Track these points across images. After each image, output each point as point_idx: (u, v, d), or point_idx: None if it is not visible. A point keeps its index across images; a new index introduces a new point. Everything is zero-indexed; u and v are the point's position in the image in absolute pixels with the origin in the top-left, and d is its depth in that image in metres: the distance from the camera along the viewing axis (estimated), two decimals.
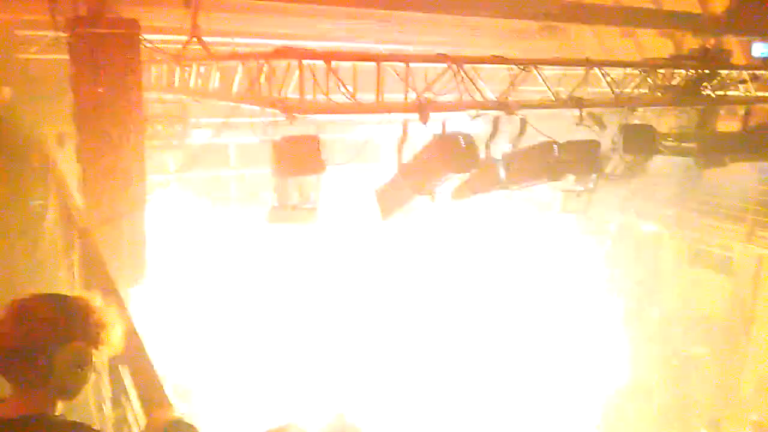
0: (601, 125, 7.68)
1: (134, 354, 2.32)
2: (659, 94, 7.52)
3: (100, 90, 6.09)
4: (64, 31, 6.27)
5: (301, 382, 10.49)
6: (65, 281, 6.15)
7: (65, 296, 2.04)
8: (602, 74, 7.02)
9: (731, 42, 10.43)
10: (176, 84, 7.99)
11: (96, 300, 2.09)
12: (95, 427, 2.23)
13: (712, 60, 7.72)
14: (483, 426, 10.32)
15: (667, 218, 12.10)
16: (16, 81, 9.96)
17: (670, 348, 11.90)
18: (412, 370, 11.01)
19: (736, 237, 11.04)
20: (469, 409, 10.40)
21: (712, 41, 8.53)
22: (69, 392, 1.97)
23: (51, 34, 6.57)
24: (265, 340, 11.14)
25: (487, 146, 6.52)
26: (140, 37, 6.32)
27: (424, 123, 5.85)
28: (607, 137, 7.60)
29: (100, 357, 2.03)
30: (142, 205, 6.50)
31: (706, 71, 7.62)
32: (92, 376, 2.04)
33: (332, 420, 2.46)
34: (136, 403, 2.30)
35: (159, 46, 7.75)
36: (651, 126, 7.70)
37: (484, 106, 6.28)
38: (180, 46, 7.92)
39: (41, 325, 1.89)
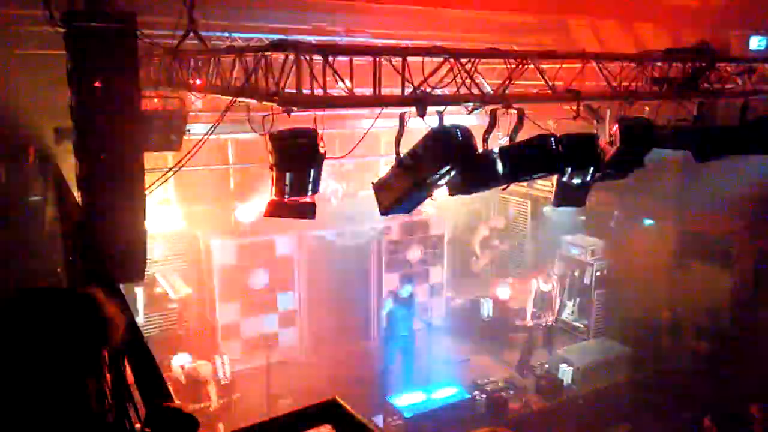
0: (599, 118, 7.69)
1: (135, 347, 2.33)
2: (656, 87, 7.53)
3: (97, 85, 6.09)
4: (60, 26, 6.26)
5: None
6: (65, 277, 6.16)
7: (69, 290, 2.05)
8: (599, 67, 7.02)
9: (729, 35, 10.45)
10: (174, 79, 7.98)
11: (98, 294, 2.10)
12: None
13: (710, 53, 7.72)
14: None
15: (665, 212, 12.10)
16: (13, 77, 9.93)
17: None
18: None
19: (735, 231, 11.05)
20: None
21: (710, 34, 8.53)
22: None
23: (48, 29, 6.55)
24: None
25: (485, 139, 6.51)
26: (137, 31, 6.31)
27: (422, 116, 5.85)
28: (605, 130, 7.62)
29: (104, 350, 2.04)
30: (142, 200, 6.50)
31: (704, 64, 7.62)
32: (97, 370, 2.06)
33: None
34: (136, 396, 2.31)
35: (156, 40, 7.75)
36: (648, 119, 7.71)
37: (482, 98, 6.28)
38: (176, 41, 7.92)
39: (48, 319, 1.89)
